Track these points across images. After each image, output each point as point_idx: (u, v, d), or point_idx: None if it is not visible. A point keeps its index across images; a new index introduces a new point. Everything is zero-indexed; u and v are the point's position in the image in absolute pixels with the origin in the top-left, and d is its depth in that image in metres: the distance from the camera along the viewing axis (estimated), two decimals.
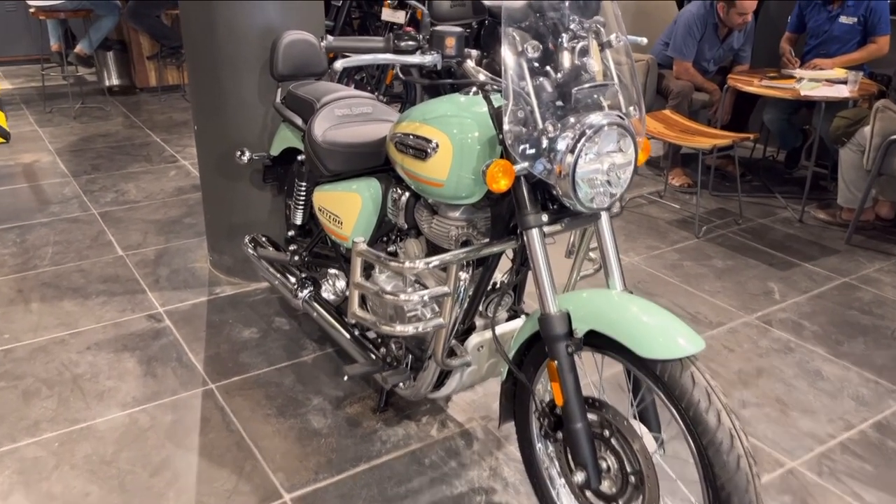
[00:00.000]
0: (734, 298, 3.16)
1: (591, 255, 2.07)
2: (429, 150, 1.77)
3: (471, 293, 1.91)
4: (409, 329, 1.79)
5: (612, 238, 1.73)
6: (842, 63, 4.10)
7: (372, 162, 2.20)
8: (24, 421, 2.33)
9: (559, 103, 1.57)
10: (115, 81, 6.51)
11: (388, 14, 4.91)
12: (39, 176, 4.51)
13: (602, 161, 1.56)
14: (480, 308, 1.98)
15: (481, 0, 5.16)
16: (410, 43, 1.60)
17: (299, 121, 2.46)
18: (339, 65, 1.51)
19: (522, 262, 1.93)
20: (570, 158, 1.52)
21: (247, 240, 2.83)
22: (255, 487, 2.08)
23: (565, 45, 1.58)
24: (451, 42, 1.58)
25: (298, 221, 2.62)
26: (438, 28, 1.59)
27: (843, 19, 4.10)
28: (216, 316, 2.97)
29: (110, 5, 5.99)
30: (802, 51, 4.38)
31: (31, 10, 5.64)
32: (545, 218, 1.63)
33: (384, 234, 2.24)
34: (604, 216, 1.72)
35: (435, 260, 1.71)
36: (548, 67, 1.56)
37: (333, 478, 2.12)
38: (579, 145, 1.51)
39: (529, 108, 1.53)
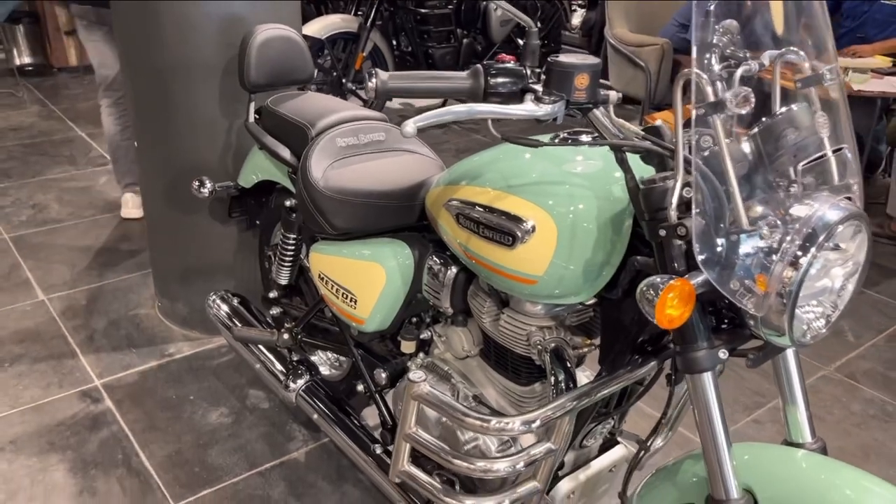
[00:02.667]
0: None
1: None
2: (519, 234, 1.16)
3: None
4: (498, 499, 1.19)
5: (799, 370, 1.16)
6: (882, 50, 3.60)
7: (400, 219, 1.58)
8: None
9: (776, 181, 0.98)
10: (26, 60, 5.60)
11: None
12: None
13: (829, 273, 0.98)
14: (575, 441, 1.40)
15: None
16: (513, 81, 0.98)
17: (287, 153, 1.80)
18: (411, 129, 0.89)
19: (649, 384, 1.34)
20: (790, 274, 0.93)
21: (211, 300, 2.16)
22: None
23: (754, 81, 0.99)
24: (583, 81, 0.96)
25: (283, 282, 1.97)
26: (562, 59, 0.97)
27: (885, 0, 3.60)
28: (172, 390, 2.30)
29: None
30: (837, 34, 3.87)
31: None
32: (723, 355, 1.05)
33: (413, 314, 1.63)
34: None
35: (541, 414, 1.11)
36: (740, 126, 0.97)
37: None
38: (809, 256, 0.92)
39: (724, 189, 0.93)
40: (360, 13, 4.27)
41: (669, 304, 0.94)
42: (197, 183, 2.08)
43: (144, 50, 2.19)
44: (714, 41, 0.93)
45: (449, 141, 4.57)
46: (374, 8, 4.18)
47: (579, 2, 5.21)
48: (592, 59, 0.99)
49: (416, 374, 1.20)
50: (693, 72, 0.88)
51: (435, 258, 1.52)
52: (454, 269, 1.47)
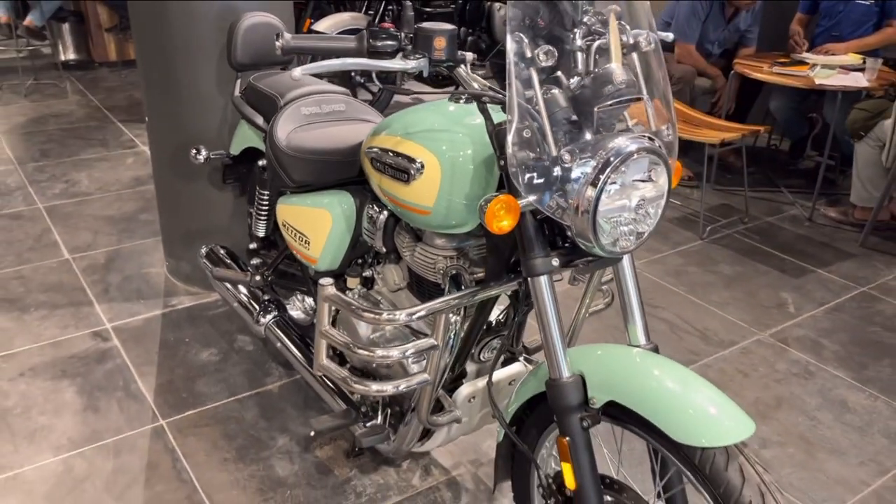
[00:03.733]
0: (746, 311, 2.88)
1: (603, 286, 1.77)
2: (412, 171, 1.44)
3: (462, 336, 1.60)
4: (388, 388, 1.48)
5: (635, 280, 1.42)
6: (856, 48, 3.80)
7: (345, 173, 1.87)
8: None
9: (573, 119, 1.25)
10: (71, 56, 6.06)
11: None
12: None
13: (629, 195, 1.25)
14: (472, 351, 1.67)
15: None
16: (390, 43, 1.27)
17: (260, 120, 2.11)
18: (297, 73, 1.18)
19: (526, 300, 1.61)
20: (590, 192, 1.20)
21: (203, 251, 2.49)
22: None
23: (579, 43, 1.25)
24: (440, 42, 1.25)
25: (261, 234, 2.29)
26: (425, 25, 1.26)
27: (859, 0, 3.79)
28: (171, 333, 2.64)
29: None
30: (814, 33, 4.06)
31: None
32: (555, 262, 1.32)
33: (359, 255, 1.92)
34: (626, 257, 1.41)
35: (420, 310, 1.39)
36: (559, 73, 1.24)
37: None
38: (603, 177, 1.19)
39: (539, 126, 1.21)
40: (370, 12, 4.59)
41: (497, 214, 1.21)
42: (194, 150, 2.40)
43: (154, 34, 2.53)
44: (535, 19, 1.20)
45: None
46: (383, 6, 4.50)
47: None
48: (449, 26, 1.28)
49: (325, 280, 1.49)
50: (508, 33, 1.16)
51: (372, 205, 1.81)
52: (385, 214, 1.75)
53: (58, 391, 2.32)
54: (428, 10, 4.69)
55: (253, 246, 2.35)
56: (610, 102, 1.22)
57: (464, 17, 4.90)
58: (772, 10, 4.44)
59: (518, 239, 1.32)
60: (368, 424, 1.77)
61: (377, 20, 4.50)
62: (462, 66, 1.33)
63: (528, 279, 1.33)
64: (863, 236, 3.44)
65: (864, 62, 3.59)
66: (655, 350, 1.41)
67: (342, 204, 1.84)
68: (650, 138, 1.26)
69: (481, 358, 1.70)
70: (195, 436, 2.16)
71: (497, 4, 4.91)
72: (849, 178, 3.65)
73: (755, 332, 2.75)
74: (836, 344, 2.69)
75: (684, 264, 3.23)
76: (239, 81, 2.29)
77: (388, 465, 2.06)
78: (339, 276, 1.98)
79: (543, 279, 1.32)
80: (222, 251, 2.47)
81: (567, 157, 1.19)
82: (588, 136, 1.24)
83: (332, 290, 1.48)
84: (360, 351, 1.46)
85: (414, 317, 1.39)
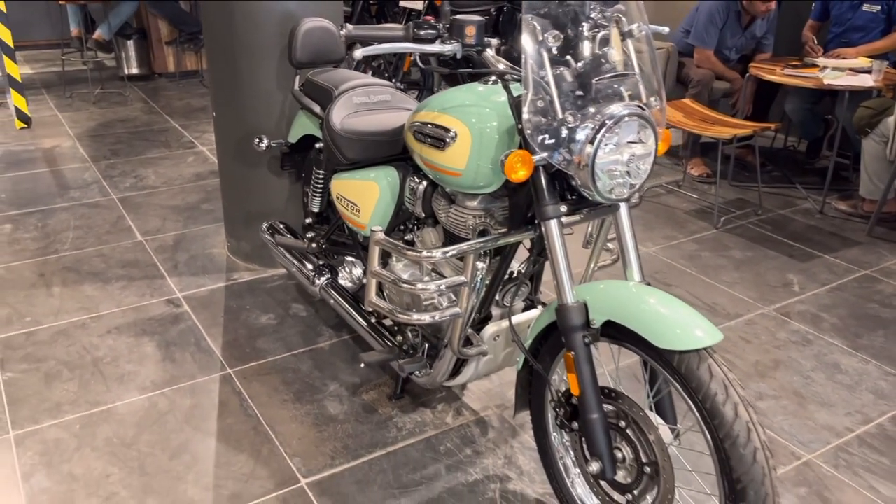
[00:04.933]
0: (752, 290, 3.14)
1: (609, 245, 2.06)
2: (447, 140, 1.76)
3: (488, 282, 1.91)
4: (426, 318, 1.80)
5: (631, 229, 1.72)
6: (865, 52, 4.04)
7: (390, 150, 2.20)
8: (45, 403, 2.36)
9: (579, 93, 1.56)
10: (134, 70, 6.53)
11: (406, 1, 4.89)
12: (60, 161, 4.55)
13: (622, 152, 1.55)
14: (497, 298, 1.98)
15: None
16: (430, 31, 1.59)
17: (317, 108, 2.46)
18: (359, 53, 1.51)
19: (540, 252, 1.92)
20: (589, 149, 1.51)
21: (264, 226, 2.85)
22: (273, 472, 2.10)
23: (586, 34, 1.57)
24: (471, 31, 1.57)
25: (316, 209, 2.63)
26: (459, 16, 1.58)
27: (866, 7, 4.04)
28: (234, 302, 2.99)
29: None
30: (826, 39, 4.32)
31: None
32: (563, 209, 1.62)
33: (401, 222, 2.25)
34: (623, 207, 1.71)
35: (452, 249, 1.71)
36: (568, 57, 1.55)
37: (349, 463, 2.14)
38: (599, 136, 1.50)
39: (549, 97, 1.52)
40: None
41: (514, 166, 1.52)
42: (257, 139, 2.77)
43: (221, 36, 2.90)
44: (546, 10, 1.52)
45: None
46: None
47: None
48: (478, 18, 1.60)
49: (375, 227, 1.82)
50: (523, 21, 1.48)
51: (413, 177, 2.13)
52: (424, 184, 2.08)
53: (140, 345, 2.68)
54: None
55: (308, 221, 2.69)
56: (606, 76, 1.53)
57: (497, 27, 5.24)
58: (788, 18, 4.71)
59: (532, 189, 1.63)
60: (409, 356, 2.09)
61: (358, 11, 4.88)
62: (488, 49, 1.65)
63: (541, 224, 1.63)
64: (869, 226, 3.67)
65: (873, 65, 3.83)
66: (648, 286, 1.71)
67: (388, 176, 2.17)
68: (640, 107, 1.57)
69: (504, 303, 2.00)
70: (258, 382, 2.49)
71: None
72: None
73: (760, 306, 3.01)
74: (834, 317, 2.93)
75: (698, 250, 3.50)
76: (298, 77, 2.65)
77: (425, 407, 2.37)
78: (364, 247, 2.32)
79: (553, 223, 1.62)
80: (281, 225, 2.83)
81: (570, 118, 1.50)
82: (590, 105, 1.55)
83: (381, 234, 1.80)
84: (405, 285, 1.78)
85: (448, 254, 1.70)
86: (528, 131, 1.54)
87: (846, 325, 2.89)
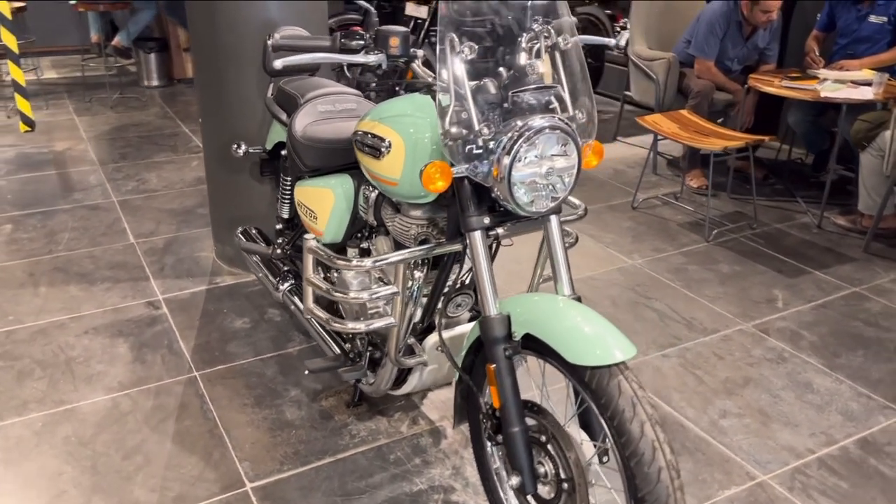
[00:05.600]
0: (734, 305, 3.08)
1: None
2: (382, 149, 1.77)
3: (427, 292, 1.91)
4: (360, 327, 1.81)
5: (562, 242, 1.70)
6: (870, 64, 3.94)
7: (347, 159, 2.21)
8: (14, 400, 2.42)
9: (501, 105, 1.55)
10: (154, 83, 6.63)
11: (411, 8, 4.92)
12: (69, 163, 4.67)
13: (541, 164, 1.54)
14: (440, 306, 1.98)
15: None
16: (358, 42, 1.60)
17: (284, 116, 2.49)
18: (279, 63, 1.53)
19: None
20: (506, 160, 1.50)
21: (239, 231, 2.89)
22: (220, 475, 2.12)
23: (510, 45, 1.57)
24: (395, 42, 1.58)
25: (284, 215, 2.66)
26: (383, 28, 1.59)
27: (872, 18, 3.95)
28: (212, 305, 3.03)
29: None
30: (832, 50, 4.23)
31: (72, 1, 5.82)
32: (487, 220, 1.62)
33: (358, 230, 2.26)
34: (553, 219, 1.70)
35: (382, 259, 1.71)
36: (490, 67, 1.55)
37: (297, 469, 2.15)
38: (515, 147, 1.49)
39: (473, 108, 1.52)
40: (413, 34, 4.99)
41: (432, 177, 1.52)
42: (235, 145, 2.81)
43: (205, 42, 2.95)
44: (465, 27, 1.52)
45: None
46: (425, 30, 4.90)
47: (621, 25, 5.72)
48: (403, 28, 1.60)
49: (308, 235, 1.83)
50: (439, 32, 1.48)
51: (368, 186, 2.14)
52: (375, 192, 2.09)
53: (114, 346, 2.73)
54: None
55: (279, 226, 2.72)
56: (529, 87, 1.52)
57: None
58: (798, 30, 4.62)
59: (457, 201, 1.63)
60: (353, 364, 2.09)
61: (420, 43, 4.89)
62: (416, 60, 1.66)
63: (465, 234, 1.63)
64: (865, 242, 3.58)
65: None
66: (579, 300, 1.69)
67: (343, 185, 2.18)
68: (563, 119, 1.55)
69: (448, 313, 2.00)
70: (222, 385, 2.52)
71: None
72: None
73: (739, 322, 2.95)
74: (814, 335, 2.87)
75: (685, 263, 3.45)
76: (272, 85, 2.68)
77: (381, 415, 2.38)
78: (341, 248, 2.33)
79: (477, 234, 1.62)
80: (254, 231, 2.86)
81: (486, 130, 1.50)
82: (511, 117, 1.55)
83: (313, 242, 1.82)
84: (336, 293, 1.79)
85: (377, 264, 1.71)
86: (447, 142, 1.54)
87: (825, 343, 2.82)
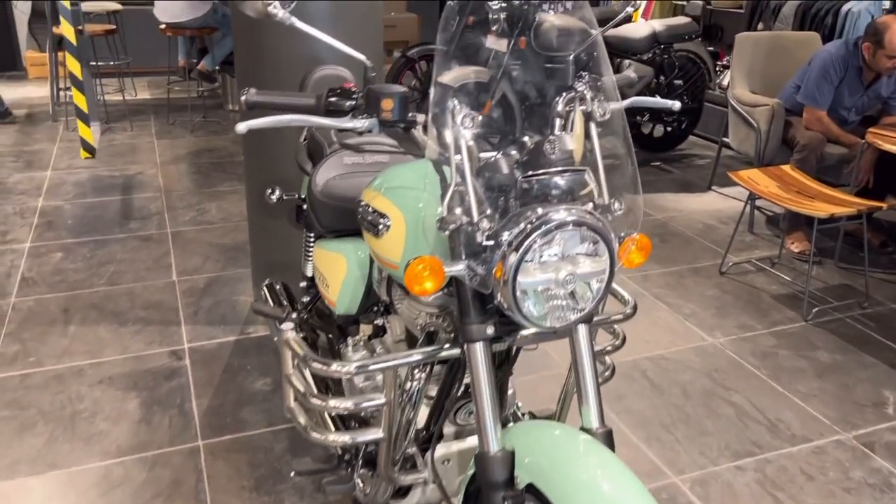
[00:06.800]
0: (832, 407, 2.58)
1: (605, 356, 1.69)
2: (380, 227, 1.47)
3: (433, 394, 1.58)
4: (342, 439, 1.50)
5: (591, 359, 1.34)
6: None
7: None
8: (6, 459, 2.25)
9: (521, 188, 1.22)
10: (237, 107, 6.63)
11: (492, 41, 4.61)
12: (136, 189, 4.61)
13: (558, 268, 1.19)
14: (449, 413, 1.64)
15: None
16: (344, 101, 1.31)
17: (309, 166, 2.22)
18: (241, 127, 1.25)
19: (499, 364, 1.57)
20: (513, 258, 1.16)
21: (264, 284, 2.63)
22: None
23: (532, 111, 1.24)
24: (388, 104, 1.27)
25: (308, 273, 2.39)
26: (375, 87, 1.29)
27: None
28: (237, 359, 2.80)
29: None
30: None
31: (161, 26, 5.86)
32: (490, 330, 1.28)
33: (374, 303, 1.96)
34: (582, 330, 1.34)
35: (367, 363, 1.40)
36: (505, 138, 1.22)
37: None
38: (526, 243, 1.15)
39: (472, 193, 1.19)
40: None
41: (419, 276, 1.19)
42: (269, 191, 2.56)
43: (248, 78, 2.75)
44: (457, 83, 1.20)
45: None
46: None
47: (724, 63, 5.24)
48: (399, 88, 1.29)
49: (286, 325, 1.54)
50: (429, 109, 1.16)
51: None
52: None
53: (125, 401, 2.54)
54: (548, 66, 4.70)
55: (303, 284, 2.46)
56: (544, 172, 1.18)
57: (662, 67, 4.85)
58: None
59: (457, 304, 1.30)
60: (337, 473, 1.78)
61: (500, 75, 4.58)
62: (416, 126, 1.34)
63: (466, 346, 1.29)
64: None
65: None
66: (608, 435, 1.32)
67: (357, 251, 1.89)
68: (592, 213, 1.20)
69: (458, 420, 1.66)
70: (224, 460, 2.27)
71: (626, 62, 4.84)
72: None
73: (837, 430, 2.46)
74: None
75: (776, 346, 2.96)
76: (306, 129, 2.43)
77: None
78: (355, 321, 2.03)
79: (478, 346, 1.28)
80: (279, 286, 2.60)
81: (486, 223, 1.16)
82: (524, 205, 1.20)
83: (290, 334, 1.52)
84: (314, 400, 1.48)
85: (359, 371, 1.39)
86: (445, 231, 1.21)
87: None
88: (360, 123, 1.30)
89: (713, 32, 5.75)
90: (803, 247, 3.77)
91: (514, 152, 1.24)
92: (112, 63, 6.25)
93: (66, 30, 4.70)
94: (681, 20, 5.07)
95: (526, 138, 1.25)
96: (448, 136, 1.18)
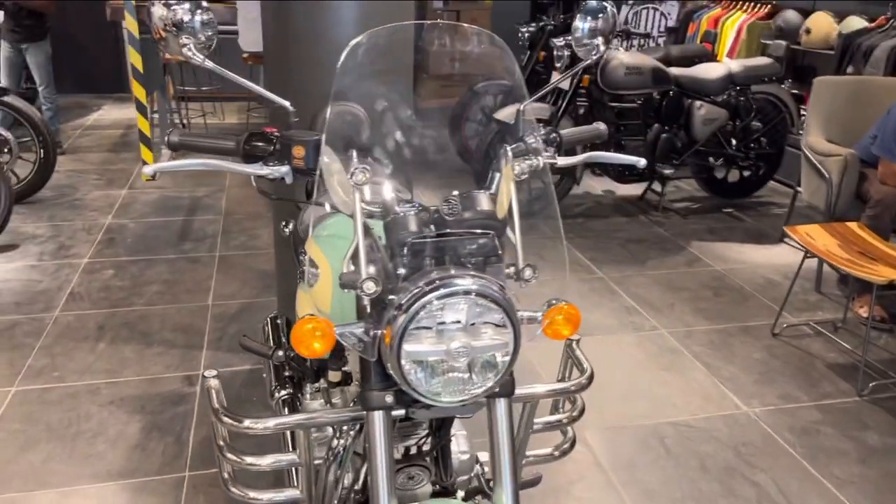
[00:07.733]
0: (871, 497, 2.30)
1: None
2: (310, 276, 1.40)
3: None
4: (262, 498, 1.43)
5: (509, 436, 1.22)
6: None
7: None
8: (2, 474, 2.31)
9: (418, 248, 1.12)
10: None
11: (556, 78, 4.51)
12: (198, 211, 4.76)
13: (450, 339, 1.08)
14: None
15: (663, 67, 4.59)
16: (260, 146, 1.26)
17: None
18: (149, 170, 1.22)
19: (439, 427, 1.46)
20: (401, 320, 1.06)
21: (268, 317, 2.61)
22: None
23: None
24: (299, 152, 1.21)
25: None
26: (288, 133, 1.23)
27: None
28: (247, 389, 2.79)
29: None
30: None
31: (244, 55, 6.08)
32: (390, 399, 1.18)
33: (342, 348, 1.89)
34: (500, 404, 1.22)
35: (279, 422, 1.33)
36: (407, 194, 1.14)
37: None
38: (412, 310, 1.05)
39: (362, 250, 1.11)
40: (557, 103, 4.57)
41: (305, 336, 1.12)
42: (283, 223, 2.56)
43: (275, 109, 2.76)
44: None
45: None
46: (567, 100, 4.47)
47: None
48: (312, 136, 1.23)
49: (209, 371, 1.49)
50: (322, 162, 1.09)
51: None
52: None
53: (128, 424, 2.57)
54: (614, 104, 4.55)
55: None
56: (443, 232, 1.09)
57: (660, 113, 4.66)
58: None
59: (360, 369, 1.21)
60: None
61: (560, 113, 4.47)
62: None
63: (366, 413, 1.20)
64: None
65: None
66: None
67: None
68: (486, 278, 1.09)
69: (397, 485, 1.55)
70: (205, 494, 2.25)
71: (698, 103, 4.62)
72: None
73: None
74: None
75: (819, 422, 2.68)
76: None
77: None
78: (323, 368, 1.97)
79: (376, 416, 1.18)
80: (280, 321, 2.58)
81: (370, 285, 1.07)
82: (421, 269, 1.11)
83: (213, 382, 1.47)
84: (229, 455, 1.42)
85: (266, 431, 1.32)
86: (345, 291, 1.13)
87: None
88: (270, 171, 1.25)
89: (801, 74, 5.42)
90: (875, 312, 3.43)
91: (432, 208, 1.15)
92: (204, 88, 6.54)
93: (133, 58, 4.94)
94: (760, 61, 4.80)
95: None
96: (340, 188, 1.10)
